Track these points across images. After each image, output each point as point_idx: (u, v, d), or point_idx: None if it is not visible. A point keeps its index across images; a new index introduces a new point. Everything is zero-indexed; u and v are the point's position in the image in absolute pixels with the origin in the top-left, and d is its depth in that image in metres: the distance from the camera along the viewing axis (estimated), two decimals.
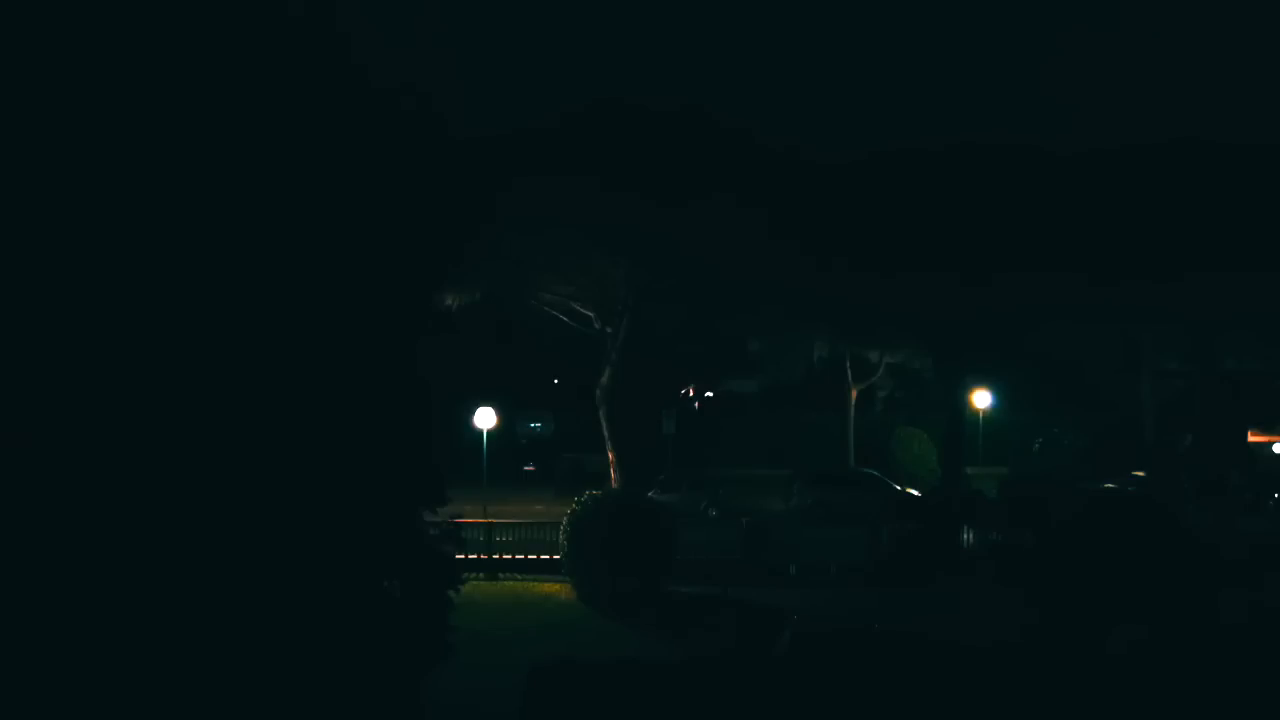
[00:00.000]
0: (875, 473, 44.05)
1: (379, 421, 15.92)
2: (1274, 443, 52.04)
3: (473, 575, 27.98)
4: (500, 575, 33.79)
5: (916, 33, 36.89)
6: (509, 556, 34.50)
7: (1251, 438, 53.19)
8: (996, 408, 51.98)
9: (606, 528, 30.55)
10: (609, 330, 42.54)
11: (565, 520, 31.89)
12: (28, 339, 13.86)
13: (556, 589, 32.36)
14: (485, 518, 35.27)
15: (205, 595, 14.32)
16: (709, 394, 68.08)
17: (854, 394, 52.05)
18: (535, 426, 60.89)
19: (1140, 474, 44.14)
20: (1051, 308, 44.55)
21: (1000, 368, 51.67)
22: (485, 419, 40.17)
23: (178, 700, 14.23)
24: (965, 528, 35.46)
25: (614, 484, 41.26)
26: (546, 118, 33.87)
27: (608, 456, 43.25)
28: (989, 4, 36.88)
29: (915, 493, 42.09)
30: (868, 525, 35.35)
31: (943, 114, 36.61)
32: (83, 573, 13.88)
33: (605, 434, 43.00)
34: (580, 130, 34.42)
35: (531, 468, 54.04)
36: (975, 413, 49.93)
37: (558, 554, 32.63)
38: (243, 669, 14.52)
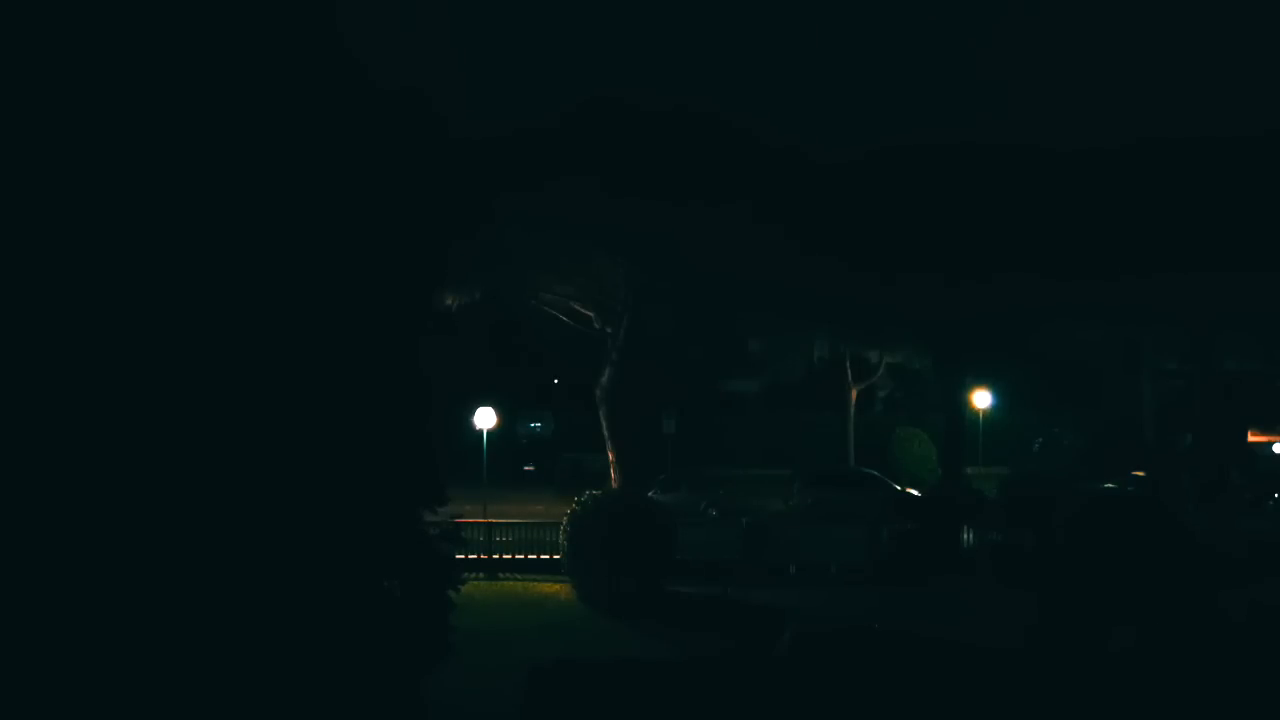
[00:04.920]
0: (875, 473, 44.07)
1: (379, 421, 15.90)
2: (1274, 443, 52.07)
3: (473, 575, 27.96)
4: (500, 575, 33.78)
5: (916, 31, 36.87)
6: (509, 556, 34.51)
7: (1251, 438, 53.23)
8: (996, 408, 51.98)
9: (606, 528, 30.54)
10: (609, 330, 42.52)
11: (565, 520, 31.89)
12: (27, 338, 13.84)
13: (556, 589, 32.35)
14: (485, 518, 35.28)
15: (206, 595, 14.31)
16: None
17: (854, 394, 52.08)
18: (535, 426, 60.88)
19: (1140, 474, 44.17)
20: (1051, 308, 44.57)
21: (1000, 368, 51.71)
22: (485, 419, 40.18)
23: (179, 700, 14.21)
24: (965, 527, 35.46)
25: (614, 484, 41.25)
26: (546, 117, 33.84)
27: (608, 456, 43.25)
28: (988, 2, 36.87)
29: (915, 493, 42.08)
30: (868, 525, 35.34)
31: (943, 112, 36.58)
32: (83, 572, 13.87)
33: (605, 434, 42.99)
34: (579, 129, 34.39)
35: (531, 468, 54.04)
36: (975, 413, 49.93)
37: (558, 554, 32.65)
38: (243, 669, 14.51)
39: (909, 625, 25.24)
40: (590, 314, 42.77)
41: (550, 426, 60.66)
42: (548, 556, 33.73)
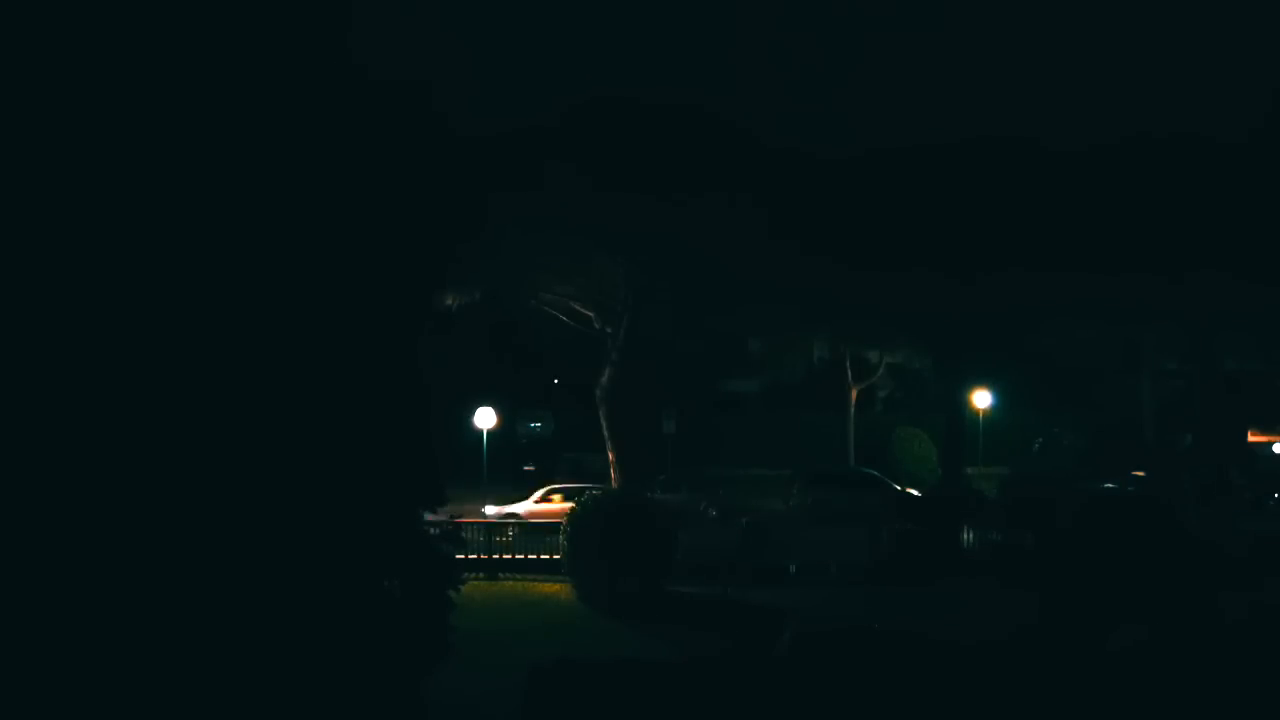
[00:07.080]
0: (875, 473, 44.02)
1: (379, 421, 15.88)
2: (1274, 443, 52.05)
3: (473, 575, 27.96)
4: (500, 575, 33.77)
5: (916, 29, 36.86)
6: (509, 556, 34.50)
7: (1251, 438, 53.22)
8: (996, 408, 51.95)
9: (606, 528, 30.53)
10: (609, 330, 42.49)
11: (565, 520, 31.88)
12: (26, 338, 13.81)
13: (556, 589, 32.34)
14: (485, 518, 35.29)
15: (205, 595, 14.28)
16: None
17: (854, 394, 52.08)
18: (535, 426, 60.86)
19: (1140, 474, 44.15)
20: (1051, 307, 44.56)
21: (1000, 368, 51.67)
22: (485, 419, 40.20)
23: (178, 700, 14.19)
24: (965, 528, 35.44)
25: (614, 484, 41.22)
26: (546, 115, 33.81)
27: (608, 456, 43.22)
28: (988, 1, 36.86)
29: (915, 493, 42.05)
30: (868, 525, 35.31)
31: (943, 111, 36.54)
32: (83, 573, 13.84)
33: (605, 434, 42.96)
34: (579, 128, 34.35)
35: (531, 468, 54.02)
36: (975, 413, 49.90)
37: (558, 554, 32.64)
38: (243, 669, 14.49)
39: (909, 625, 25.21)
40: (590, 314, 42.75)
41: (550, 426, 60.63)
42: (548, 556, 33.73)
